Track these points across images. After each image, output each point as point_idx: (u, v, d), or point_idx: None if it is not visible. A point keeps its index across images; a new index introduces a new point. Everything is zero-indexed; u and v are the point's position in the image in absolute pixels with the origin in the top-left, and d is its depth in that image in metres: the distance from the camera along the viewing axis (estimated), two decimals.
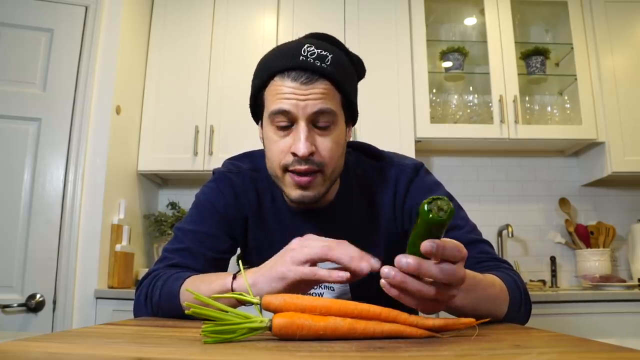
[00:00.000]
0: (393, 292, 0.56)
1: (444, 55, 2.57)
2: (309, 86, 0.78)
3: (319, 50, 0.80)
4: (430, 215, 0.52)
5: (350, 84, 0.85)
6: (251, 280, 0.71)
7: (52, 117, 2.02)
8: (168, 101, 2.42)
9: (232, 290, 0.71)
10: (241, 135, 2.32)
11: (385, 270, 0.55)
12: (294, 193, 0.82)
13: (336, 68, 0.80)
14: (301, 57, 0.79)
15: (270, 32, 2.45)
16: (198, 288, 0.76)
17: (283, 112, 0.79)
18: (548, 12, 2.65)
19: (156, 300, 0.84)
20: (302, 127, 0.78)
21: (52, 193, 1.98)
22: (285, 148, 0.80)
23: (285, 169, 0.81)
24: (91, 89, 2.09)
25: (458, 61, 2.54)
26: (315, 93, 0.78)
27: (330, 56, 0.80)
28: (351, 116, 0.90)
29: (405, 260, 0.53)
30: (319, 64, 0.79)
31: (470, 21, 2.71)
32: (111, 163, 2.11)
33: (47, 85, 2.04)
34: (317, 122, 0.80)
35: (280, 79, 0.80)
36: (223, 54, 2.44)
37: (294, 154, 0.79)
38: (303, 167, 0.79)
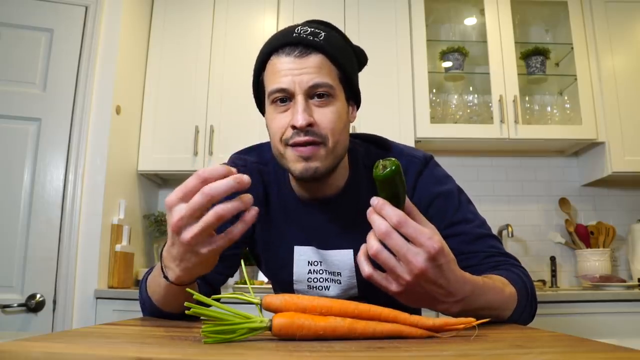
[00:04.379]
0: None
1: (444, 55, 2.57)
2: (303, 59, 0.80)
3: (312, 29, 0.82)
4: (375, 172, 0.59)
5: (347, 60, 0.85)
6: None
7: (52, 117, 2.02)
8: (168, 101, 2.42)
9: (164, 275, 0.67)
10: (241, 135, 2.32)
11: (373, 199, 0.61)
12: (297, 166, 0.81)
13: (329, 43, 0.82)
14: (294, 34, 0.81)
15: (270, 32, 2.45)
16: (151, 282, 0.78)
17: (280, 90, 0.80)
18: (548, 12, 2.65)
19: (143, 302, 0.84)
20: (299, 101, 0.79)
21: (52, 193, 1.98)
22: (284, 123, 0.81)
23: (287, 144, 0.81)
24: (91, 89, 2.09)
25: (458, 61, 2.54)
26: (310, 67, 0.80)
27: (323, 33, 0.82)
28: (352, 95, 0.89)
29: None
30: (311, 38, 0.80)
31: (470, 21, 2.71)
32: (111, 163, 2.11)
33: (47, 85, 2.04)
34: (315, 96, 0.81)
35: (275, 56, 0.82)
36: (223, 54, 2.45)
37: (293, 127, 0.79)
38: (303, 138, 0.79)
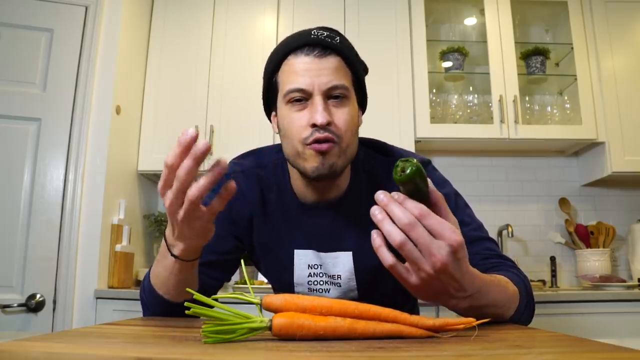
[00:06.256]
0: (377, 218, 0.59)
1: (444, 55, 2.57)
2: (322, 59, 0.82)
3: (328, 32, 0.85)
4: (395, 176, 0.58)
5: (359, 64, 0.89)
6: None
7: (52, 117, 2.02)
8: (168, 101, 2.42)
9: (171, 253, 0.72)
10: (241, 135, 2.32)
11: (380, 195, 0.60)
12: (314, 162, 0.82)
13: (345, 46, 0.85)
14: (312, 36, 0.83)
15: (270, 32, 2.45)
16: (156, 269, 0.80)
17: (299, 90, 0.81)
18: (548, 12, 2.65)
19: (147, 303, 0.85)
20: (318, 100, 0.81)
21: (52, 193, 1.98)
22: (303, 122, 0.82)
23: (306, 144, 0.82)
24: (91, 89, 2.09)
25: (458, 61, 2.54)
26: (328, 68, 0.82)
27: (338, 37, 0.85)
28: (361, 100, 0.92)
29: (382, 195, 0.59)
30: (329, 40, 0.83)
31: (470, 21, 2.71)
32: (111, 163, 2.11)
33: (47, 85, 2.04)
34: (332, 97, 0.83)
35: (294, 56, 0.83)
36: (223, 54, 2.44)
37: (313, 125, 0.80)
38: (323, 134, 0.80)
